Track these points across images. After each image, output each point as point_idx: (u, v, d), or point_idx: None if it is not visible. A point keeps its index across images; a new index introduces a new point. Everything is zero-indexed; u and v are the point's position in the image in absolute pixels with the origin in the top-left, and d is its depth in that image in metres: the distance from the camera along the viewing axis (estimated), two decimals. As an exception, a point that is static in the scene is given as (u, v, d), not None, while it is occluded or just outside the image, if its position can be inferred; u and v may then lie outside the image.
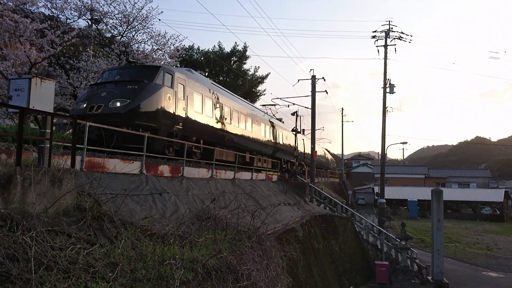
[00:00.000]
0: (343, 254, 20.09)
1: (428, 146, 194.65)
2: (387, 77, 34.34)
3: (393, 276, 22.65)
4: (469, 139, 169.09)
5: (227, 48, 43.22)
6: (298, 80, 39.40)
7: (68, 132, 9.26)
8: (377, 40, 35.34)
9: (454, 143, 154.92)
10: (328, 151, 63.32)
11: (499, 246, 36.55)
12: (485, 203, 57.56)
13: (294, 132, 29.89)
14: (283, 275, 8.82)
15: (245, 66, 44.25)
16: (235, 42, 48.48)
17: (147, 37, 27.34)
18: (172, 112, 13.39)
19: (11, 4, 15.55)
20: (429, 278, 19.15)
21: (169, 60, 23.75)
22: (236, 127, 18.99)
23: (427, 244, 33.75)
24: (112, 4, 24.69)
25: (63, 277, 4.62)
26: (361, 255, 23.16)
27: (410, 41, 35.45)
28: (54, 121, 7.18)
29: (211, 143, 16.09)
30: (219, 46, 42.85)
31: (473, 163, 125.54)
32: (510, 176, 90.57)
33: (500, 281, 25.39)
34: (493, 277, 26.41)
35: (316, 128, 32.17)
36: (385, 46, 34.91)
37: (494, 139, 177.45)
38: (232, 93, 21.62)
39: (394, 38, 35.19)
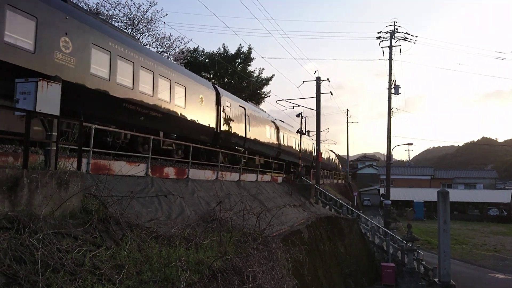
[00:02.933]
0: (348, 256, 20.01)
1: (434, 147, 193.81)
2: (392, 78, 34.26)
3: (399, 278, 22.52)
4: (475, 140, 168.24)
5: (232, 50, 43.20)
6: (303, 81, 39.59)
7: None
8: (382, 41, 35.28)
9: (460, 144, 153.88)
10: (334, 152, 63.16)
11: (507, 247, 36.23)
12: (492, 204, 57.12)
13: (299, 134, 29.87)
14: (288, 277, 8.81)
15: (250, 68, 44.25)
16: (240, 44, 48.52)
17: (152, 40, 27.58)
18: None
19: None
20: (436, 280, 19.01)
21: (174, 62, 23.88)
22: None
23: (433, 246, 33.53)
24: (117, 7, 24.92)
25: (70, 279, 4.64)
26: (367, 257, 23.07)
27: (415, 42, 35.35)
28: None
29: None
30: (223, 48, 42.89)
31: (480, 164, 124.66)
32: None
33: (508, 283, 25.16)
34: (501, 279, 26.17)
35: (321, 130, 32.16)
36: (390, 47, 34.82)
37: (500, 139, 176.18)
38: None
39: (399, 39, 35.11)
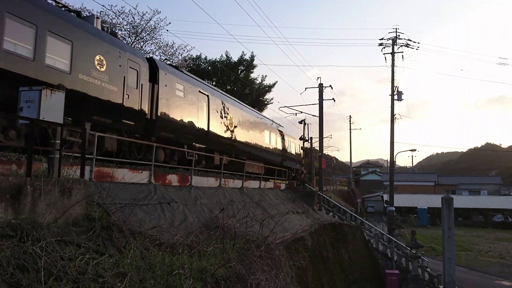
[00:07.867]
0: (352, 263, 19.88)
1: (437, 153, 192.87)
2: (395, 84, 34.33)
3: (403, 285, 22.34)
4: (479, 146, 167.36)
5: (235, 58, 43.35)
6: (306, 88, 39.75)
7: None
8: (384, 47, 35.39)
9: (464, 150, 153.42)
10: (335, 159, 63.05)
11: (512, 254, 35.93)
12: (497, 211, 56.76)
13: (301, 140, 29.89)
14: (292, 284, 8.76)
15: (252, 75, 44.40)
16: (242, 52, 48.87)
17: (155, 48, 27.73)
18: None
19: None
20: (441, 287, 18.86)
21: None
22: None
23: (438, 253, 33.28)
24: (121, 15, 25.10)
25: (73, 287, 4.63)
26: (371, 264, 22.91)
27: (417, 48, 35.50)
28: None
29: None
30: (226, 55, 43.10)
31: (484, 170, 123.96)
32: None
33: (513, 290, 24.93)
34: (507, 286, 25.92)
35: (324, 136, 32.14)
36: (392, 53, 34.90)
37: (504, 145, 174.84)
38: None
39: (401, 46, 35.23)
